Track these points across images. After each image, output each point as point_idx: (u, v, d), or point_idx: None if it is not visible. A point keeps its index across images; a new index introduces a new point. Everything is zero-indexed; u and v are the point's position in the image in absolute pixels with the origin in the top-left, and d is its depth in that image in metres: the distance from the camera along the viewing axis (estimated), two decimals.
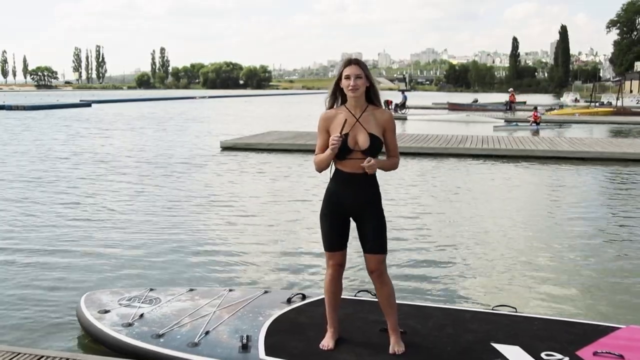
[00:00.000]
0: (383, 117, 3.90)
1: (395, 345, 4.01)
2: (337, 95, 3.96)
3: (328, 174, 3.97)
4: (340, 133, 3.76)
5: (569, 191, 11.91)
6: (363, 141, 3.80)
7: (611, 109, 41.68)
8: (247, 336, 4.19)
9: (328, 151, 3.80)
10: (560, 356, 3.92)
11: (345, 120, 3.81)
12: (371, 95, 3.92)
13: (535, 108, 31.12)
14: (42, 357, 3.95)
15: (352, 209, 3.92)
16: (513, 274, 6.64)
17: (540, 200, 11.00)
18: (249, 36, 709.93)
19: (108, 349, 4.42)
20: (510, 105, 43.54)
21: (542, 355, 3.95)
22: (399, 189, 11.62)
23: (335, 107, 3.97)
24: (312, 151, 16.80)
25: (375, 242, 3.92)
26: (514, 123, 29.39)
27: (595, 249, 7.70)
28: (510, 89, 50.02)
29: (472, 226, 8.82)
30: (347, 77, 3.83)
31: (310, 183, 12.44)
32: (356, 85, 3.81)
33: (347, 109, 3.90)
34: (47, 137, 23.61)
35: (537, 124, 27.93)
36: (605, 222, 9.21)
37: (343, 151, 3.81)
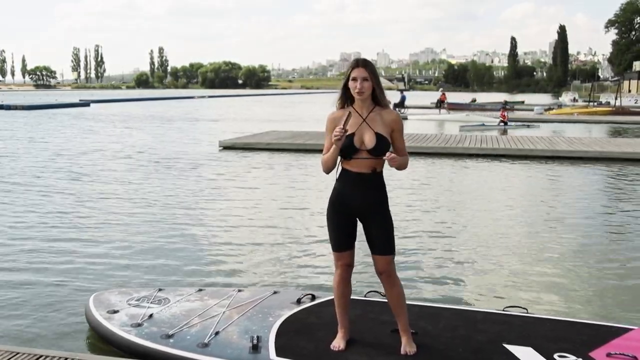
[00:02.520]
0: (390, 117, 3.89)
1: (407, 346, 3.99)
2: (346, 96, 3.94)
3: (334, 174, 3.95)
4: (343, 127, 3.74)
5: (571, 191, 11.90)
6: (369, 140, 3.79)
7: (610, 109, 41.76)
8: (258, 337, 4.16)
9: (333, 147, 3.80)
10: (573, 357, 3.90)
11: (349, 113, 3.79)
12: (377, 97, 3.91)
13: (504, 107, 30.69)
14: (41, 356, 3.94)
15: (359, 209, 3.90)
16: (523, 274, 6.62)
17: (543, 200, 10.98)
18: (248, 36, 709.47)
19: (117, 349, 4.41)
20: (440, 104, 43.12)
21: (555, 356, 3.93)
22: (399, 189, 11.59)
23: (345, 107, 3.95)
24: (310, 150, 16.76)
25: (383, 243, 3.91)
26: (481, 123, 28.77)
27: (605, 249, 7.67)
28: (441, 89, 48.96)
29: (476, 226, 8.80)
30: (354, 79, 3.82)
31: (313, 182, 12.44)
32: (362, 88, 3.80)
33: (354, 110, 3.89)
34: (45, 137, 23.58)
35: (505, 123, 27.61)
36: (613, 222, 9.18)
37: (349, 150, 3.81)
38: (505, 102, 49.65)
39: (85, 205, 10.22)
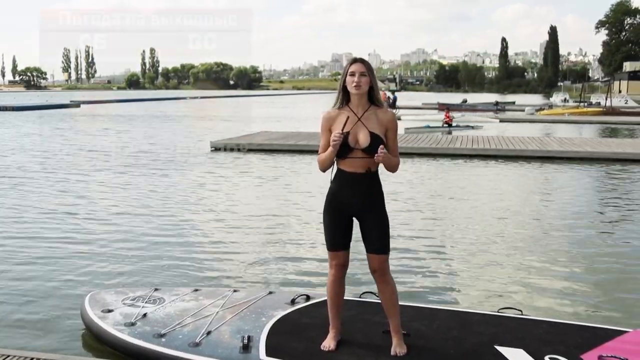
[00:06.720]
0: (385, 116, 3.90)
1: (397, 347, 3.99)
2: (343, 95, 3.95)
3: (329, 173, 3.96)
4: (342, 131, 3.77)
5: (563, 191, 11.94)
6: (363, 139, 3.80)
7: (600, 109, 41.97)
8: (249, 337, 4.17)
9: (329, 149, 3.81)
10: None
11: (347, 118, 3.82)
12: (373, 96, 3.93)
13: (448, 109, 30.14)
14: (32, 359, 3.94)
15: (354, 208, 3.92)
16: (518, 275, 6.61)
17: (536, 201, 11.00)
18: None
19: (110, 348, 4.42)
20: None
21: (546, 358, 3.93)
22: (393, 189, 11.60)
23: (340, 107, 3.96)
24: (302, 151, 16.65)
25: (378, 242, 3.92)
26: (426, 125, 27.82)
27: (599, 250, 7.66)
28: (383, 88, 47.89)
29: (470, 227, 8.79)
30: (352, 74, 3.83)
31: (306, 183, 12.42)
32: (360, 82, 3.81)
33: (349, 108, 3.90)
34: (34, 137, 23.51)
35: (450, 125, 27.06)
36: (606, 223, 9.19)
37: (344, 150, 3.81)
38: (497, 103, 50.08)
39: (84, 206, 10.18)
